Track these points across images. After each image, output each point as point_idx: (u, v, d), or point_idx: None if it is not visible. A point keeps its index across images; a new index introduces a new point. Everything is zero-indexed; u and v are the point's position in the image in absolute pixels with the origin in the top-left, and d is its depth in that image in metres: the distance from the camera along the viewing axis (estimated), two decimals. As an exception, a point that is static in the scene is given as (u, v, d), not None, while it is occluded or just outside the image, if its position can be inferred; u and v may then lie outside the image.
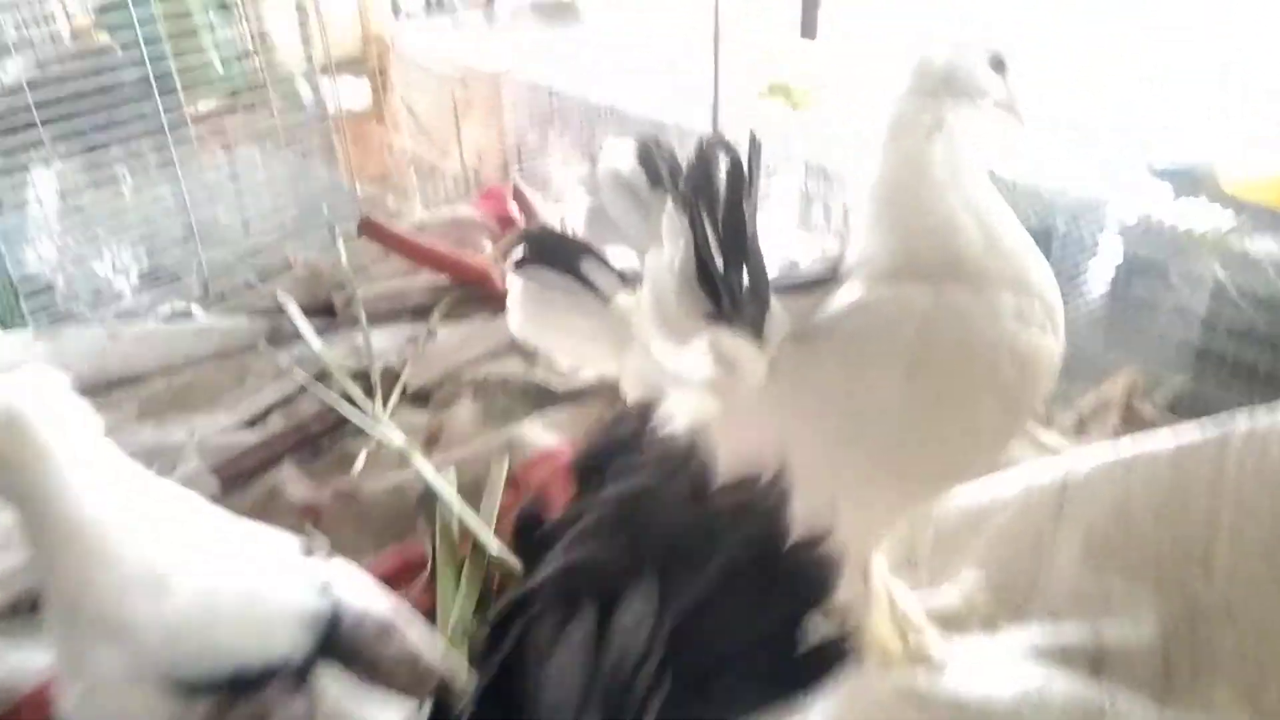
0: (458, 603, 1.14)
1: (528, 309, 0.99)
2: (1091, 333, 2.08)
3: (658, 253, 0.84)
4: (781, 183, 3.55)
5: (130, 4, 1.75)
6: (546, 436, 1.37)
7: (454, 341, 1.58)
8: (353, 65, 2.17)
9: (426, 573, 1.19)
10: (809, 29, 4.68)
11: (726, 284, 0.85)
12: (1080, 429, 1.45)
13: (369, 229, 1.72)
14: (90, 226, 2.00)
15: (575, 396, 1.47)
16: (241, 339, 1.62)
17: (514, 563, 1.18)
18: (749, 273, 0.87)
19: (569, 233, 0.98)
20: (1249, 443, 1.02)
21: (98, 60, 2.10)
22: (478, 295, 1.70)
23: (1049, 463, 1.16)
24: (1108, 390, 1.85)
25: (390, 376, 1.51)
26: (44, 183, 2.13)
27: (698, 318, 0.86)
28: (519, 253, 0.96)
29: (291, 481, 1.34)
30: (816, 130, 3.38)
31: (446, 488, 1.27)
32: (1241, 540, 0.99)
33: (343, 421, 1.44)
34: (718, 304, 0.86)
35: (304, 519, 1.29)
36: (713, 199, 0.83)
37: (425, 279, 1.75)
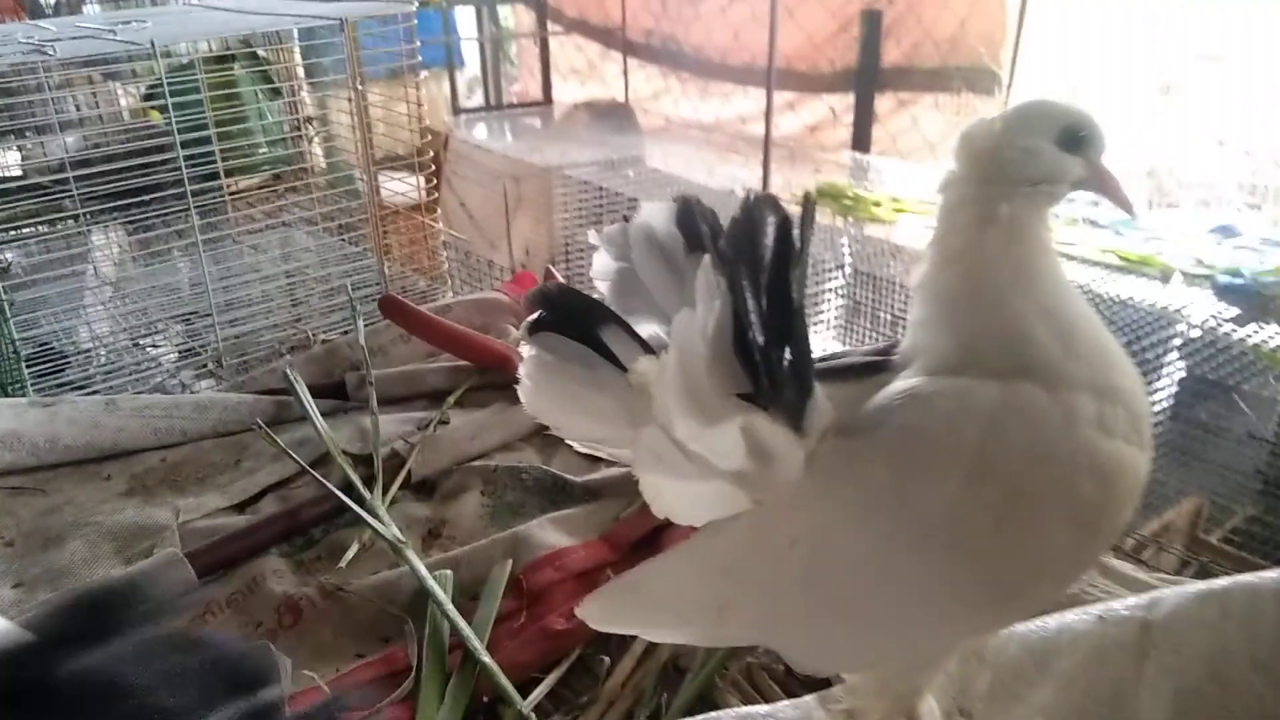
0: (441, 714, 1.00)
1: (540, 381, 0.86)
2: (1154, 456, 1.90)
3: (689, 315, 0.71)
4: (828, 288, 3.48)
5: (166, 88, 1.74)
6: (556, 536, 1.24)
7: (468, 429, 1.47)
8: (409, 160, 2.16)
9: (409, 682, 1.05)
10: (861, 142, 4.67)
11: (766, 359, 0.73)
12: (1140, 557, 1.28)
13: (390, 306, 1.64)
14: (128, 301, 1.99)
15: (593, 493, 1.35)
16: (243, 416, 1.52)
17: (505, 680, 1.04)
18: (791, 350, 0.74)
19: (591, 297, 0.85)
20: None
21: (146, 143, 2.11)
22: (497, 382, 1.60)
23: (1126, 601, 1.00)
24: (1170, 518, 1.68)
25: (396, 463, 1.40)
26: (96, 255, 2.13)
27: (729, 395, 0.73)
28: (534, 316, 0.84)
29: (274, 573, 1.22)
30: (867, 235, 3.32)
31: (439, 590, 1.14)
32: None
33: (339, 510, 1.32)
34: (755, 382, 0.73)
35: (283, 615, 1.16)
36: (756, 262, 0.72)
37: (444, 362, 1.66)
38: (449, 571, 1.19)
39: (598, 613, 0.86)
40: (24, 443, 1.42)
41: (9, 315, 1.63)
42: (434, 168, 2.22)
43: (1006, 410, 0.72)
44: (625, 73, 5.66)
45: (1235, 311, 2.57)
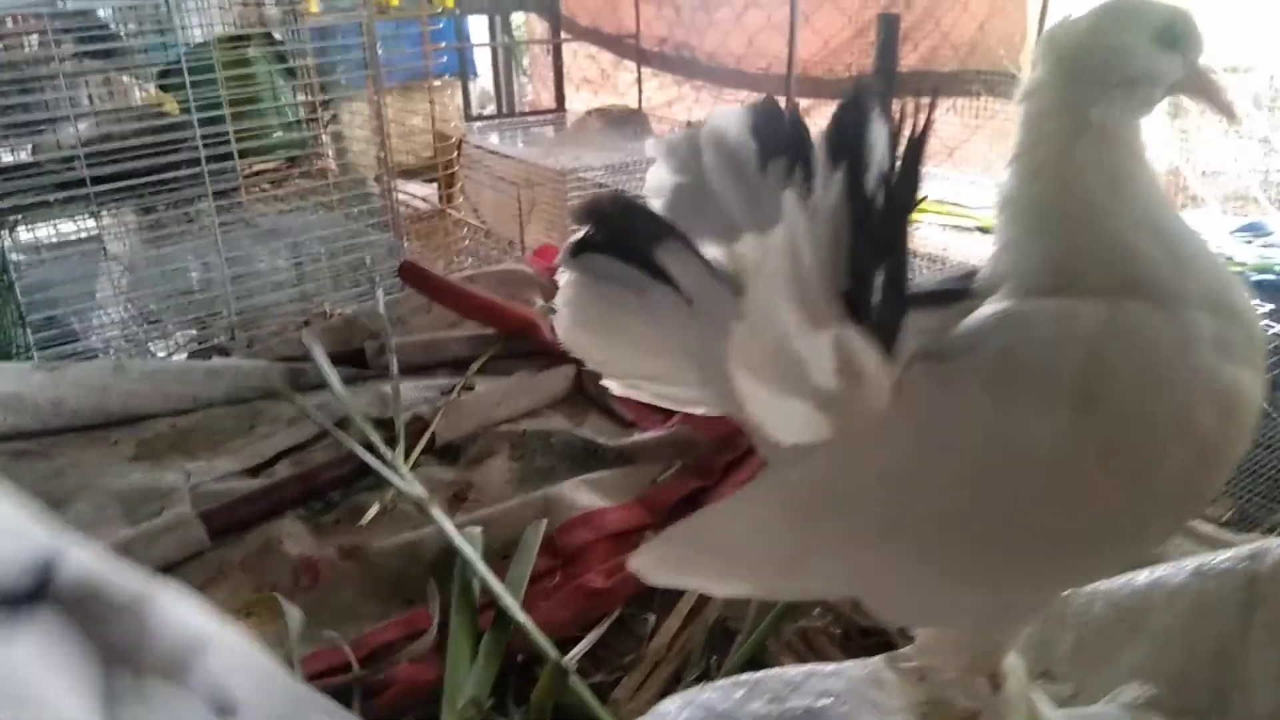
0: (472, 678, 0.92)
1: (582, 309, 0.76)
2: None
3: (799, 204, 0.62)
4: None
5: (186, 70, 1.69)
6: (590, 498, 1.16)
7: (493, 395, 1.40)
8: (424, 168, 2.13)
9: (431, 640, 0.97)
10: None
11: (870, 267, 0.65)
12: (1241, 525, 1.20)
13: (411, 273, 1.56)
14: (139, 279, 1.93)
15: (627, 458, 1.27)
16: (256, 382, 1.45)
17: (541, 636, 0.95)
18: (891, 262, 0.66)
19: (652, 210, 0.74)
20: None
21: (155, 122, 2.07)
22: (523, 350, 1.52)
23: (1225, 554, 0.91)
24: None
25: (419, 428, 1.32)
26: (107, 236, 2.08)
27: (830, 299, 0.64)
28: (580, 234, 0.74)
29: (290, 536, 1.14)
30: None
31: (468, 546, 1.06)
32: None
33: (358, 473, 1.24)
34: (857, 290, 0.65)
35: (301, 575, 1.08)
36: (867, 156, 0.63)
37: (467, 331, 1.59)
38: (478, 529, 1.11)
39: (653, 564, 0.75)
40: (27, 405, 1.35)
41: (14, 280, 1.56)
42: (448, 174, 2.19)
43: (1116, 330, 0.64)
44: (639, 81, 5.62)
45: (1269, 308, 2.50)
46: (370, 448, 1.23)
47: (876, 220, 0.65)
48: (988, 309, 0.70)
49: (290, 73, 2.36)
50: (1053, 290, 0.68)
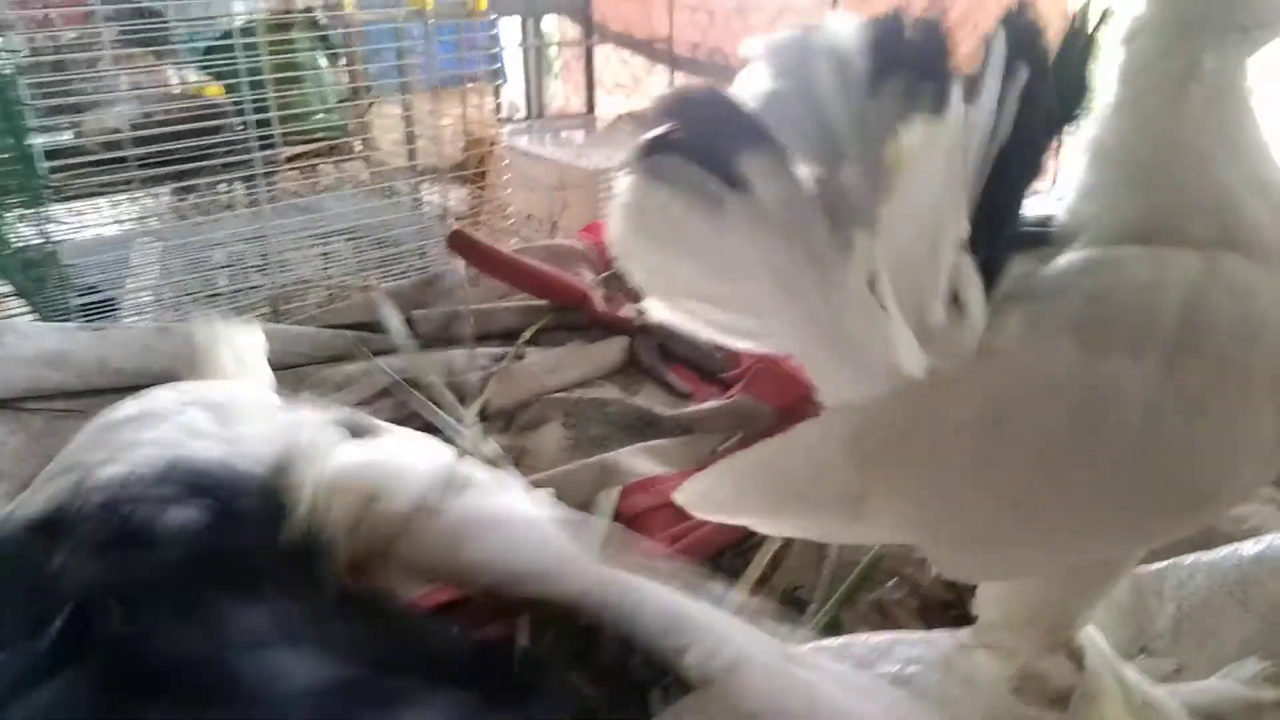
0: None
1: (642, 212, 0.67)
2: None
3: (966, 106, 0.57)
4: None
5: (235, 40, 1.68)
6: (648, 465, 1.12)
7: (546, 363, 1.36)
8: (456, 172, 2.12)
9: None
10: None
11: (1006, 195, 0.61)
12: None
13: (460, 242, 1.53)
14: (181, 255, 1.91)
15: (685, 428, 1.22)
16: (304, 349, 1.41)
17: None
18: (1018, 195, 0.63)
19: (746, 108, 0.66)
20: None
21: (198, 106, 2.07)
22: (575, 322, 1.49)
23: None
24: None
25: (470, 396, 1.28)
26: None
27: (951, 239, 0.59)
28: (658, 130, 0.66)
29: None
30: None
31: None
32: None
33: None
34: (985, 219, 0.60)
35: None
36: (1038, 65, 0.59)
37: (517, 302, 1.55)
38: (550, 490, 1.07)
39: (701, 495, 0.70)
40: (71, 364, 1.32)
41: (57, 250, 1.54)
42: (481, 177, 2.19)
43: (1212, 280, 0.60)
44: (671, 85, 5.62)
45: None
46: (436, 408, 1.20)
47: (1029, 140, 0.60)
48: (1075, 254, 0.65)
49: (333, 55, 2.35)
50: (1144, 239, 0.64)
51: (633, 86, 6.07)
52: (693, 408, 1.26)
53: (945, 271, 0.59)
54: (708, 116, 0.66)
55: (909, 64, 0.63)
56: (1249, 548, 0.87)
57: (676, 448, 1.17)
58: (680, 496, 0.70)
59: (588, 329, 1.46)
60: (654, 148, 0.66)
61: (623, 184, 0.68)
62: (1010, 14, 0.60)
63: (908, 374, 0.61)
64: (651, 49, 5.92)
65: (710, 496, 0.71)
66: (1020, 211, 0.65)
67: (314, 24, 2.39)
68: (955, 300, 0.61)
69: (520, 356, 1.39)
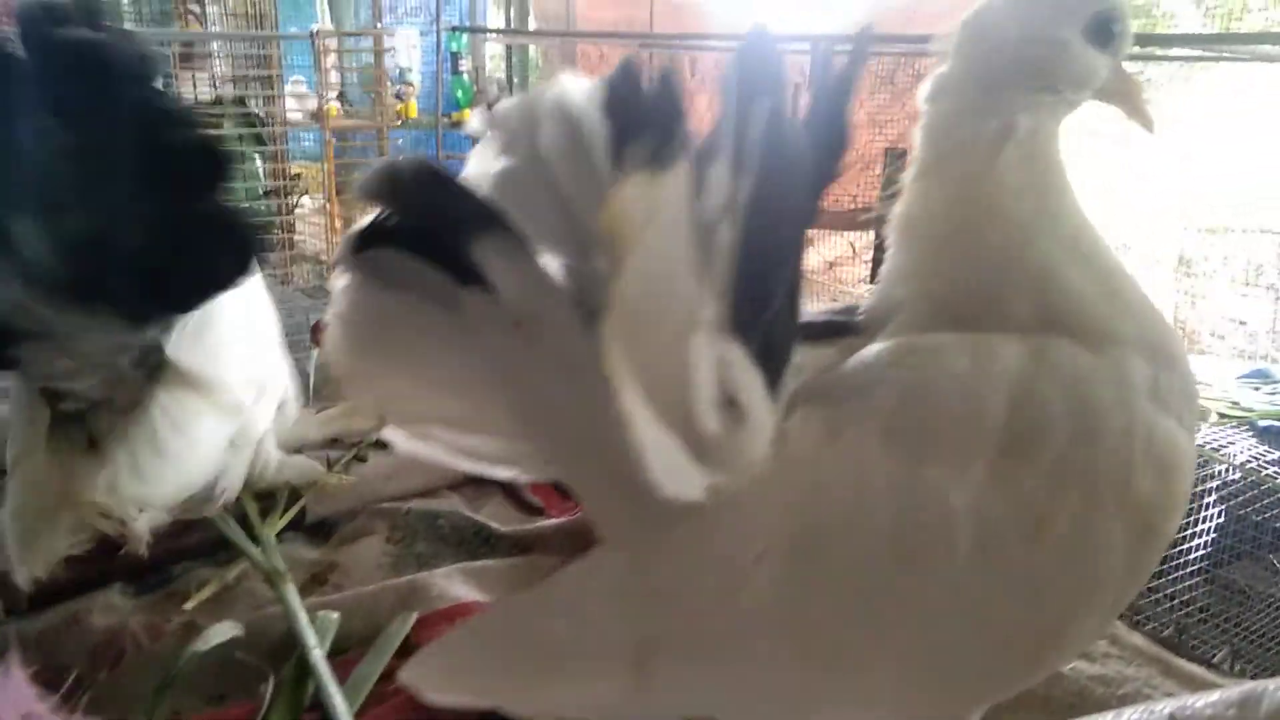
0: None
1: (363, 323, 0.57)
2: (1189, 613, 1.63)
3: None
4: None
5: None
6: (464, 589, 0.99)
7: (385, 468, 1.24)
8: None
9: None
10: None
11: (776, 284, 0.52)
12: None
13: (319, 334, 1.43)
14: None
15: (523, 547, 1.10)
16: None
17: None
18: (784, 275, 0.53)
19: (471, 189, 0.54)
20: None
21: None
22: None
23: (1211, 697, 0.73)
24: None
25: (294, 500, 1.16)
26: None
27: (708, 313, 0.49)
28: (370, 220, 0.55)
29: (104, 609, 0.97)
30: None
31: (310, 633, 0.89)
32: None
33: (209, 546, 1.08)
34: (747, 307, 0.50)
35: (99, 657, 0.91)
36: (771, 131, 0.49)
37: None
38: (335, 615, 0.94)
39: (435, 673, 0.54)
40: None
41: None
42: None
43: (1041, 370, 0.52)
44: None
45: (1277, 454, 2.39)
46: (227, 519, 1.07)
47: (778, 215, 0.51)
48: (882, 343, 0.56)
49: (259, 140, 2.31)
50: (961, 323, 0.55)
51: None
52: (533, 525, 1.14)
53: (704, 365, 0.47)
54: (427, 199, 0.53)
55: (650, 126, 0.50)
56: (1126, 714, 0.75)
57: (503, 570, 1.04)
58: (407, 675, 0.53)
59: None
60: (368, 240, 0.54)
61: (338, 288, 0.57)
62: (742, 51, 0.51)
63: (678, 496, 0.48)
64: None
65: (447, 675, 0.54)
66: (792, 285, 0.55)
67: (242, 104, 2.36)
68: (733, 403, 0.50)
69: (362, 459, 1.27)
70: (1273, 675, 1.23)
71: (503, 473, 0.64)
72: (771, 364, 0.52)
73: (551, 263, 0.54)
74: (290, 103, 3.19)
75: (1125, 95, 0.60)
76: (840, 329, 0.61)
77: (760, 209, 0.49)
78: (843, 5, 3.83)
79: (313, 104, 3.39)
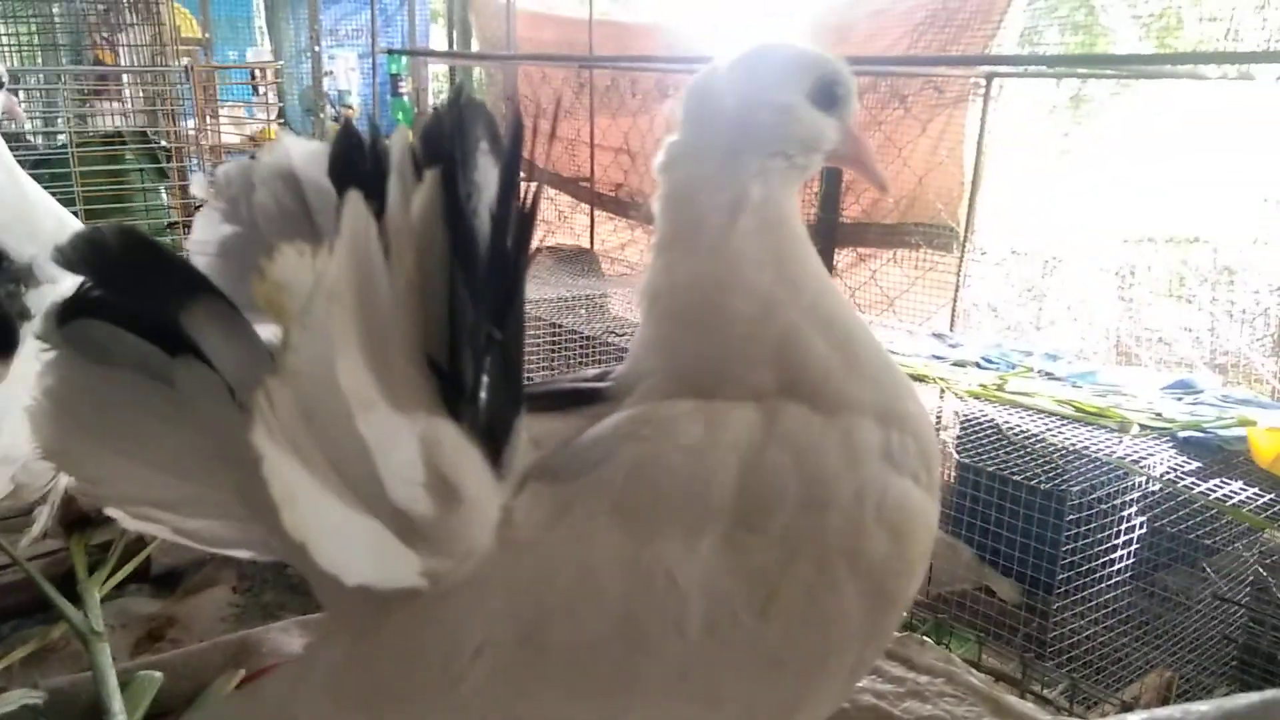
0: None
1: (70, 400, 0.53)
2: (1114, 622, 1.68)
3: (363, 209, 0.44)
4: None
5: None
6: (299, 642, 0.97)
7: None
8: None
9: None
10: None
11: (477, 349, 0.49)
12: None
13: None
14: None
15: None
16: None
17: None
18: (502, 346, 0.50)
19: (180, 257, 0.53)
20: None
21: None
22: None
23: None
24: (1137, 693, 1.43)
25: (135, 552, 1.14)
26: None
27: (413, 385, 0.47)
28: (75, 290, 0.52)
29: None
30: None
31: (117, 698, 0.87)
32: None
33: (38, 604, 1.06)
34: (459, 376, 0.48)
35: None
36: (468, 185, 0.48)
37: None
38: (158, 674, 0.92)
39: None
40: None
41: None
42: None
43: (771, 438, 0.52)
44: (592, 222, 5.71)
45: (1196, 465, 2.42)
46: (70, 573, 1.05)
47: (485, 271, 0.48)
48: (621, 413, 0.55)
49: (161, 173, 2.29)
50: (704, 393, 0.54)
51: (558, 223, 6.15)
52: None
53: (392, 444, 0.45)
54: (132, 268, 0.51)
55: (369, 187, 0.48)
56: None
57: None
58: None
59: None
60: (72, 312, 0.51)
61: (42, 365, 0.53)
62: (435, 123, 0.50)
63: (389, 585, 0.46)
64: (575, 187, 6.04)
65: None
66: (518, 358, 0.53)
67: (143, 137, 2.32)
68: (446, 485, 0.47)
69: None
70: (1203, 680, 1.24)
71: (239, 553, 0.60)
72: (494, 440, 0.50)
73: (270, 331, 0.51)
74: (228, 127, 3.18)
75: (855, 157, 0.60)
76: (588, 397, 0.59)
77: (453, 280, 0.48)
78: (773, 27, 3.86)
79: (251, 128, 3.38)
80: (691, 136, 0.57)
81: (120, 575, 1.08)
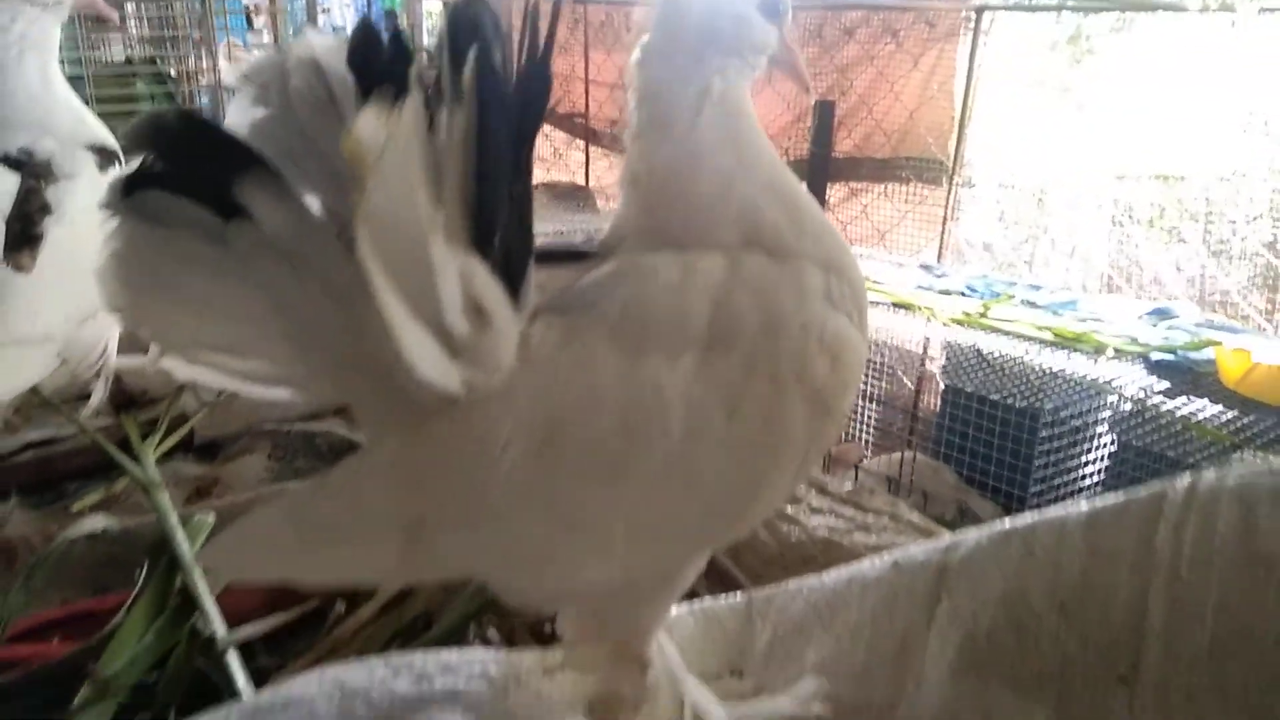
0: (136, 650, 0.85)
1: (134, 261, 0.60)
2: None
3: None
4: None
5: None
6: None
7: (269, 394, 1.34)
8: None
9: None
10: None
11: (497, 197, 0.59)
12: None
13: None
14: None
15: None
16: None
17: (222, 632, 0.88)
18: (515, 196, 0.61)
19: (231, 133, 0.60)
20: (1188, 509, 0.73)
21: None
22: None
23: (926, 546, 0.86)
24: None
25: (180, 423, 1.27)
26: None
27: (455, 232, 0.58)
28: (137, 164, 0.60)
29: (-1, 517, 1.08)
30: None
31: (179, 529, 1.00)
32: (1179, 645, 0.68)
33: (101, 466, 1.18)
34: (482, 220, 0.59)
35: (-9, 559, 1.02)
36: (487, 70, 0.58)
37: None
38: (210, 517, 1.05)
39: (225, 557, 0.62)
40: None
41: None
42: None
43: (736, 279, 0.64)
44: (587, 159, 5.76)
45: (1165, 385, 2.51)
46: (124, 442, 1.18)
47: (501, 141, 0.59)
48: (609, 264, 0.67)
49: (170, 98, 2.37)
50: (675, 248, 0.66)
51: (553, 160, 6.19)
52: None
53: (448, 273, 0.56)
54: (190, 144, 0.59)
55: (385, 73, 0.59)
56: (845, 572, 0.87)
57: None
58: (204, 558, 0.64)
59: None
60: (135, 184, 0.59)
61: (108, 229, 0.60)
62: (456, 7, 0.61)
63: (439, 389, 0.58)
64: (570, 123, 6.06)
65: (239, 555, 0.62)
66: (529, 213, 0.65)
67: (154, 64, 2.40)
68: (479, 309, 0.59)
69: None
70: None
71: (279, 394, 0.68)
72: (510, 279, 0.61)
73: (311, 201, 0.62)
74: (224, 64, 3.25)
75: (789, 62, 0.72)
76: (577, 255, 0.71)
77: (481, 143, 0.59)
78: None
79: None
80: (662, 39, 0.69)
81: (169, 443, 1.21)
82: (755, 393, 0.62)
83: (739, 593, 0.93)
